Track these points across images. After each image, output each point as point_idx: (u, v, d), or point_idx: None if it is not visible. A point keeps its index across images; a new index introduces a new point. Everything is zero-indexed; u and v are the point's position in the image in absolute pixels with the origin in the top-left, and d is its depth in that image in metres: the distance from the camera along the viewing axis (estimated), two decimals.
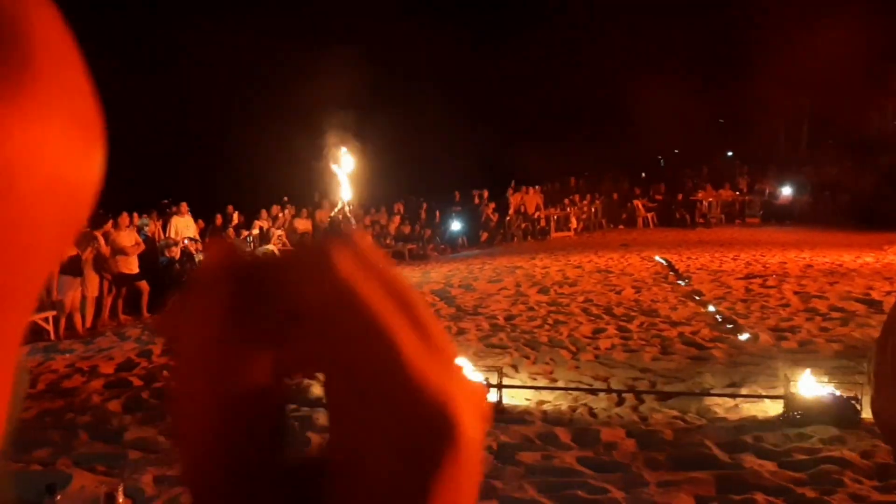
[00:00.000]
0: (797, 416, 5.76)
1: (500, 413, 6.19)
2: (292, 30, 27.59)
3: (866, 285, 11.63)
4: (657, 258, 15.60)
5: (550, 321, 9.80)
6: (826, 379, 6.17)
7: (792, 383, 5.96)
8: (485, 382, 6.41)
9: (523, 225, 22.30)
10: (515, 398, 6.55)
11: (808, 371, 6.18)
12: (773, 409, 6.03)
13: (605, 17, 28.91)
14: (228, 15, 25.51)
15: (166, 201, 15.07)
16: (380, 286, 0.31)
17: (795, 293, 11.26)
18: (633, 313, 10.14)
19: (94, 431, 5.98)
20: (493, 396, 6.40)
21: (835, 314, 9.65)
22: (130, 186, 19.24)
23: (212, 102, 26.48)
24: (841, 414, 5.63)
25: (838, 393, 5.84)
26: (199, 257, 12.99)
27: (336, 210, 14.17)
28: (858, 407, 5.59)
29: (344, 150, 13.67)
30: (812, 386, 5.94)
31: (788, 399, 5.89)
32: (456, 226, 20.54)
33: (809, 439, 5.42)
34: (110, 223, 11.54)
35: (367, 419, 0.30)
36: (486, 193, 21.68)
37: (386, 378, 0.29)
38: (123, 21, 25.03)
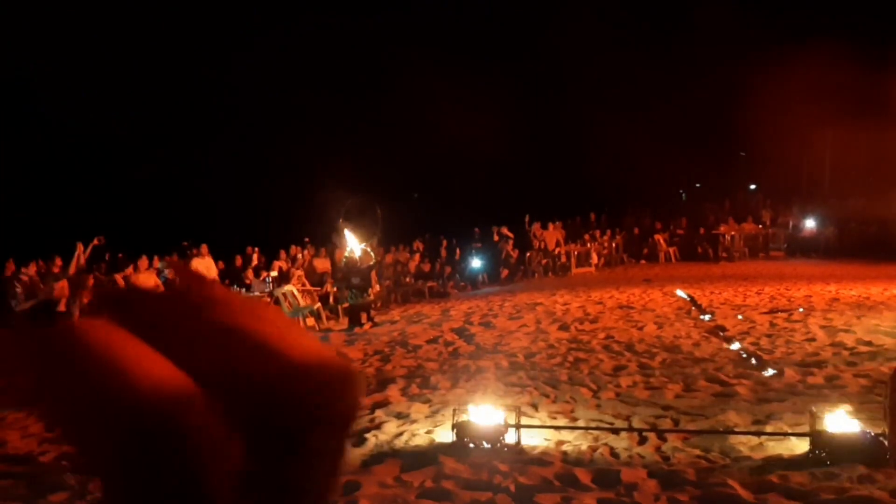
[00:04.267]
0: (824, 455, 5.59)
1: (519, 454, 6.08)
2: (312, 69, 27.99)
3: (895, 318, 11.40)
4: (680, 293, 15.42)
5: (571, 359, 9.68)
6: (854, 415, 5.99)
7: (818, 420, 5.80)
8: (503, 423, 6.31)
9: (543, 261, 22.20)
10: (534, 438, 6.43)
11: (835, 407, 6.02)
12: (800, 447, 5.86)
13: (623, 51, 29.04)
14: (241, 61, 25.98)
15: (186, 243, 15.20)
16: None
17: (821, 327, 11.05)
18: (655, 350, 9.99)
19: None
20: (511, 437, 6.29)
21: (862, 348, 9.45)
22: (152, 230, 19.45)
23: (230, 149, 26.84)
24: (870, 451, 5.46)
25: (867, 430, 5.67)
26: None
27: (350, 250, 14.21)
28: (888, 444, 5.41)
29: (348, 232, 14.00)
30: (839, 423, 5.77)
31: (815, 437, 5.73)
32: (476, 263, 20.50)
33: (837, 478, 5.25)
34: (131, 267, 11.63)
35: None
36: (504, 229, 21.66)
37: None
38: (146, 65, 25.54)
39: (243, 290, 14.21)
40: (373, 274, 14.80)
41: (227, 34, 26.67)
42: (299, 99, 26.99)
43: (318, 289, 15.58)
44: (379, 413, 7.47)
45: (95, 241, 12.14)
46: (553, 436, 6.49)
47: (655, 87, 29.07)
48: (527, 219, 22.52)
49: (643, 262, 24.83)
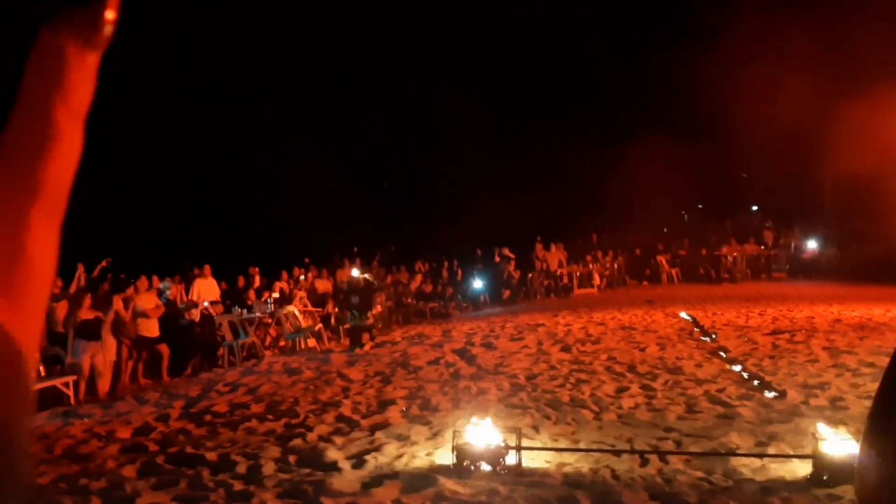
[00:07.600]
0: (826, 477, 5.55)
1: (519, 476, 6.04)
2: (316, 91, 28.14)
3: None
4: (682, 314, 15.40)
5: (573, 380, 9.64)
6: (856, 437, 5.95)
7: (821, 442, 5.76)
8: (503, 444, 6.27)
9: (546, 282, 22.18)
10: (535, 460, 6.39)
11: (837, 429, 5.98)
12: (802, 469, 5.82)
13: (623, 71, 29.13)
14: (252, 87, 26.13)
15: (188, 263, 15.23)
16: None
17: (824, 348, 11.01)
18: (657, 371, 9.95)
19: (106, 497, 5.91)
20: (512, 459, 6.25)
21: (865, 370, 9.40)
22: (155, 250, 19.45)
23: (236, 167, 26.90)
24: None
25: None
26: (218, 320, 13.00)
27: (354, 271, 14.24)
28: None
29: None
30: (842, 445, 5.73)
31: (817, 459, 5.69)
32: (478, 284, 20.49)
33: (839, 500, 5.21)
34: (131, 288, 11.64)
35: None
36: (506, 250, 21.68)
37: None
38: (160, 93, 25.62)
39: (245, 310, 14.19)
40: (375, 296, 14.81)
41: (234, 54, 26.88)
42: (303, 112, 27.14)
43: (320, 309, 15.57)
44: (379, 435, 7.43)
45: (104, 263, 12.14)
46: (554, 458, 6.45)
47: (654, 109, 29.11)
48: (538, 239, 22.61)
49: (645, 283, 24.81)
